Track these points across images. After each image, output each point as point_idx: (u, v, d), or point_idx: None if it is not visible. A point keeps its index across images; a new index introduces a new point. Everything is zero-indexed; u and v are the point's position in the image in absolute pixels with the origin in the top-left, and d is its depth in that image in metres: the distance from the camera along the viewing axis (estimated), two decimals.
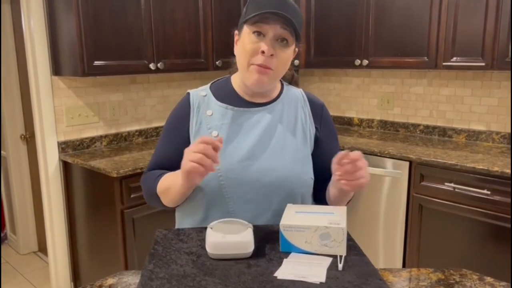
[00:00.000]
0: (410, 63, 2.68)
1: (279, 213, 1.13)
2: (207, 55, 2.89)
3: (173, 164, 1.18)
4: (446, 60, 2.53)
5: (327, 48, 3.08)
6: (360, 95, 3.36)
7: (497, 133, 2.72)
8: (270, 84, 1.16)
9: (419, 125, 3.06)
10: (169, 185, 1.14)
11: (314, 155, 1.23)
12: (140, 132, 3.04)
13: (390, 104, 3.19)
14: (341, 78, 3.45)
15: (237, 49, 1.16)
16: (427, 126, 3.02)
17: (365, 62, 2.87)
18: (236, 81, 1.23)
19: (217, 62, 2.93)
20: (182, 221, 1.25)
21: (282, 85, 1.28)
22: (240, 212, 1.14)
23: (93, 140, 2.80)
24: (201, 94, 1.22)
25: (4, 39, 3.18)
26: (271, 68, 1.11)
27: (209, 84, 1.26)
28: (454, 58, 2.51)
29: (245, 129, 1.17)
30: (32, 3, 2.48)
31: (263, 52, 1.08)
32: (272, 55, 1.09)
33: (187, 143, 1.19)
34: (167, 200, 1.18)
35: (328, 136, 1.26)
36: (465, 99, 2.84)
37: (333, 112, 3.53)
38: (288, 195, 1.15)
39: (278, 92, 1.25)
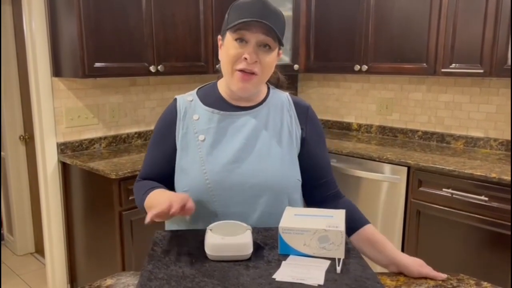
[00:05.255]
0: (409, 69, 2.70)
1: (265, 215, 1.15)
2: (207, 58, 2.91)
3: (163, 171, 1.24)
4: (445, 66, 2.55)
5: (326, 53, 3.09)
6: (359, 100, 3.37)
7: (495, 139, 2.73)
8: (255, 89, 1.18)
9: (417, 131, 3.07)
10: (151, 206, 1.15)
11: (301, 155, 1.24)
12: (139, 134, 3.04)
13: (389, 110, 3.21)
14: (340, 83, 3.46)
15: (221, 55, 1.19)
16: (425, 132, 3.03)
17: (365, 67, 2.88)
18: (222, 86, 1.25)
19: (217, 66, 2.93)
20: (171, 224, 1.27)
21: (268, 88, 1.29)
22: (227, 214, 1.15)
23: (92, 141, 2.80)
24: (187, 99, 1.25)
25: (5, 40, 3.19)
26: (255, 73, 1.13)
27: (196, 90, 1.29)
28: (453, 64, 2.52)
29: (231, 133, 1.19)
30: (33, 4, 2.49)
31: (245, 58, 1.11)
32: (255, 61, 1.12)
33: (174, 149, 1.22)
34: None
35: (314, 136, 1.26)
36: (464, 106, 2.85)
37: (332, 117, 3.55)
38: (274, 197, 1.16)
39: (264, 96, 1.26)
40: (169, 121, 1.24)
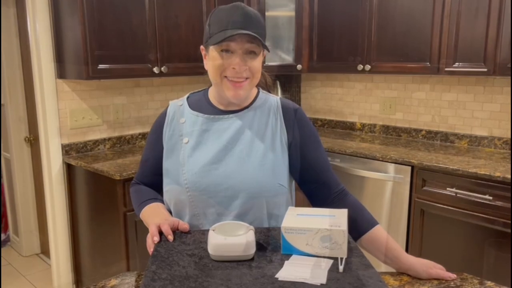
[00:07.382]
0: (413, 69, 2.70)
1: (240, 218, 1.15)
2: None
3: (155, 174, 1.28)
4: (448, 65, 2.54)
5: (329, 53, 3.09)
6: (362, 100, 3.37)
7: (499, 138, 2.72)
8: (246, 94, 1.19)
9: (421, 130, 3.06)
10: (145, 222, 1.27)
11: (292, 159, 1.22)
12: (143, 135, 3.05)
13: (392, 109, 3.20)
14: (344, 83, 3.46)
15: (208, 65, 1.19)
16: (429, 131, 3.02)
17: (368, 67, 2.88)
18: (212, 92, 1.26)
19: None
20: None
21: (258, 92, 1.28)
22: (204, 215, 1.17)
23: (96, 142, 2.82)
24: (178, 104, 1.28)
25: (9, 42, 3.21)
26: (246, 77, 1.14)
27: (187, 95, 1.31)
28: (456, 63, 2.51)
29: (214, 135, 1.20)
30: (37, 6, 2.50)
31: (234, 69, 1.12)
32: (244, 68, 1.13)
33: (163, 152, 1.26)
34: None
35: (303, 138, 1.23)
36: (467, 105, 2.84)
37: (335, 116, 3.54)
38: (250, 199, 1.15)
39: (252, 100, 1.25)
40: (158, 125, 1.28)
